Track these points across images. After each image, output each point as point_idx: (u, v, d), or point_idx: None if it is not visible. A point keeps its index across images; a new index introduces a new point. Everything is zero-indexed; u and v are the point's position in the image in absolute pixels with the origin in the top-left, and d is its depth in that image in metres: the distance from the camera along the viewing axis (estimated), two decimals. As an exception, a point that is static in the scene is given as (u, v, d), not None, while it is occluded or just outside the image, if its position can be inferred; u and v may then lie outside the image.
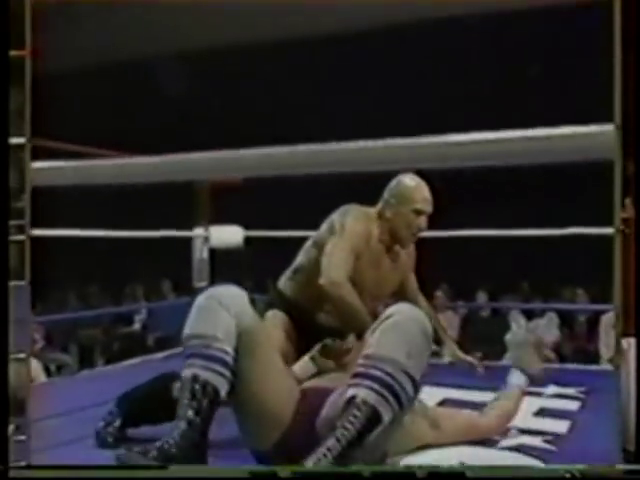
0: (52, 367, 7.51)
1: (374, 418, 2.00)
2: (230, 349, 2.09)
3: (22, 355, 1.88)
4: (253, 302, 2.21)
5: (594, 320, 6.58)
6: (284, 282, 2.86)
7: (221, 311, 2.11)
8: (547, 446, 2.55)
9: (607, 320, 5.81)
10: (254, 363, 2.13)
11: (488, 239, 4.47)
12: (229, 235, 4.63)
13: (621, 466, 1.74)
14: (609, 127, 1.24)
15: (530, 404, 2.94)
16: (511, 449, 2.51)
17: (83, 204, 8.11)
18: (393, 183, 2.79)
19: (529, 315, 6.97)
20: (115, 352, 8.05)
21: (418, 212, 2.75)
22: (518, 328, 6.71)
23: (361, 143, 1.68)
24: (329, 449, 1.91)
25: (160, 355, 4.52)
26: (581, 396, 3.30)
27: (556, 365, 5.38)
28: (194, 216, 4.82)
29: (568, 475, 1.74)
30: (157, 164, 1.66)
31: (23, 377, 1.89)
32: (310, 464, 1.88)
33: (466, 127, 1.74)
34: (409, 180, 2.77)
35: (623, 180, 1.87)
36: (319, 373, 2.39)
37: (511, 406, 2.70)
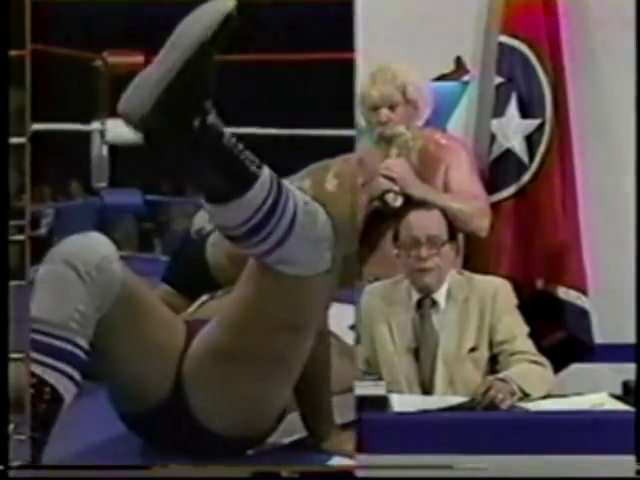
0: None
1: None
2: (85, 343, 1.58)
3: (22, 355, 1.79)
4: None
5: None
6: (212, 252, 2.24)
7: (78, 285, 1.57)
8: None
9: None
10: (125, 344, 1.67)
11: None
12: (128, 129, 4.21)
13: None
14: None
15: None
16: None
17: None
18: None
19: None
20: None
21: None
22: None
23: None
24: None
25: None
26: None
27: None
28: (94, 109, 4.41)
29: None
30: None
31: (23, 376, 1.78)
32: None
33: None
34: None
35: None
36: None
37: None
